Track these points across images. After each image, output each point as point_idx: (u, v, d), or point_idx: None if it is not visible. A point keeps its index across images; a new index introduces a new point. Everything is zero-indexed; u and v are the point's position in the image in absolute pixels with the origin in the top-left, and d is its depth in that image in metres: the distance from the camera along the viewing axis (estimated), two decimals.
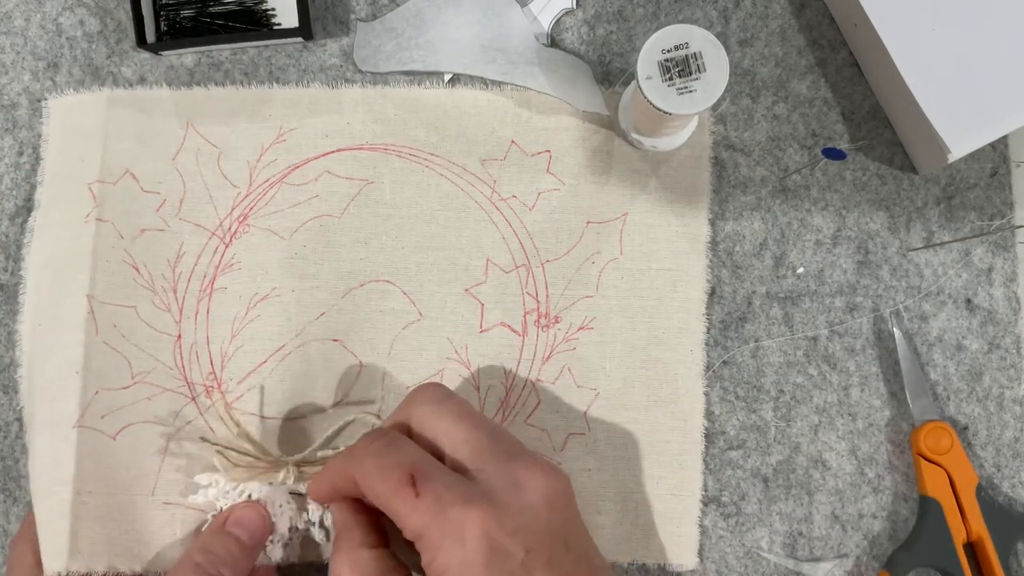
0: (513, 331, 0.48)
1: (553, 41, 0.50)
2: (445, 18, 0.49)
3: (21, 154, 0.50)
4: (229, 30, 0.49)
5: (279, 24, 0.50)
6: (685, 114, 0.41)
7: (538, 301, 0.48)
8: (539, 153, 0.49)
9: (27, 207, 0.49)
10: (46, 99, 0.49)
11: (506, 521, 0.36)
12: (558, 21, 0.50)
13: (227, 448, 0.45)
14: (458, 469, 0.39)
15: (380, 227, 0.49)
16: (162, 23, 0.50)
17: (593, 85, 0.49)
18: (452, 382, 0.48)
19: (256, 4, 0.50)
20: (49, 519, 0.45)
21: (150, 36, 0.49)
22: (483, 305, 0.48)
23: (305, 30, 0.48)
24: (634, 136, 0.47)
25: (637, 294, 0.48)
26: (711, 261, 0.49)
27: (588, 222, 0.49)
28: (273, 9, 0.50)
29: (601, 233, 0.49)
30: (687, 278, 0.49)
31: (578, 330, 0.48)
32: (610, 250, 0.49)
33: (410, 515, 0.37)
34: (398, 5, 0.50)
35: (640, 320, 0.48)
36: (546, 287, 0.49)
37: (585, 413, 0.48)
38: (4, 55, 0.50)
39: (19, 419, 0.48)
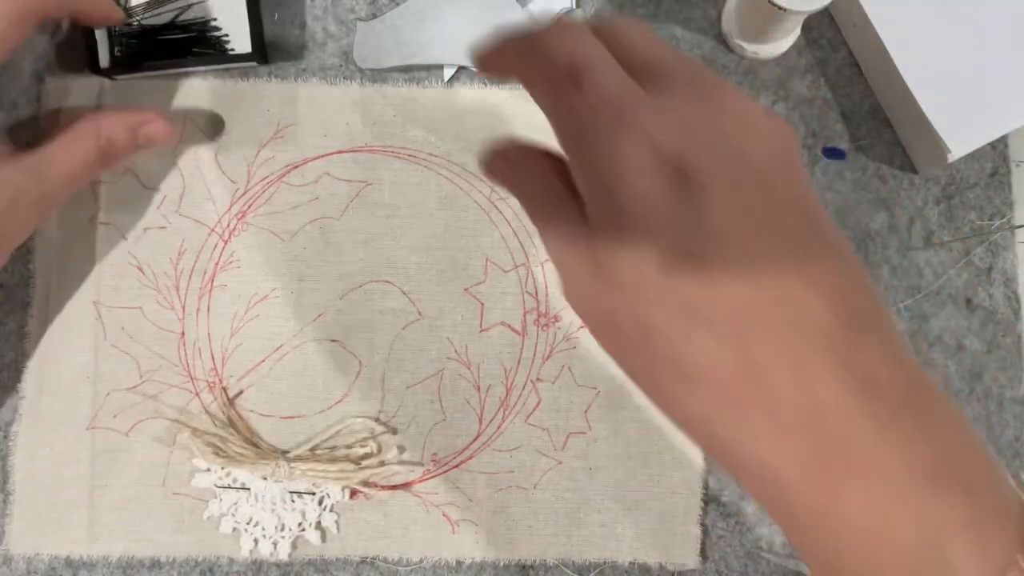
0: (513, 330, 0.48)
1: None
2: (445, 17, 0.49)
3: None
4: (181, 54, 0.48)
5: (232, 50, 0.48)
6: (802, 11, 0.41)
7: (538, 300, 0.48)
8: None
9: None
10: (44, 80, 0.49)
11: None
12: None
13: (204, 432, 0.47)
14: None
15: (379, 227, 0.49)
16: (115, 49, 0.48)
17: None
18: (452, 382, 0.48)
19: (205, 32, 0.48)
20: (67, 510, 0.47)
21: (104, 61, 0.48)
22: (483, 305, 0.48)
23: (259, 55, 0.48)
24: (737, 41, 0.48)
25: None
26: None
27: None
28: (227, 35, 0.49)
29: None
30: None
31: (578, 329, 0.48)
32: None
33: None
34: (398, 4, 0.50)
35: None
36: (546, 286, 0.48)
37: (586, 412, 0.48)
38: None
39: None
